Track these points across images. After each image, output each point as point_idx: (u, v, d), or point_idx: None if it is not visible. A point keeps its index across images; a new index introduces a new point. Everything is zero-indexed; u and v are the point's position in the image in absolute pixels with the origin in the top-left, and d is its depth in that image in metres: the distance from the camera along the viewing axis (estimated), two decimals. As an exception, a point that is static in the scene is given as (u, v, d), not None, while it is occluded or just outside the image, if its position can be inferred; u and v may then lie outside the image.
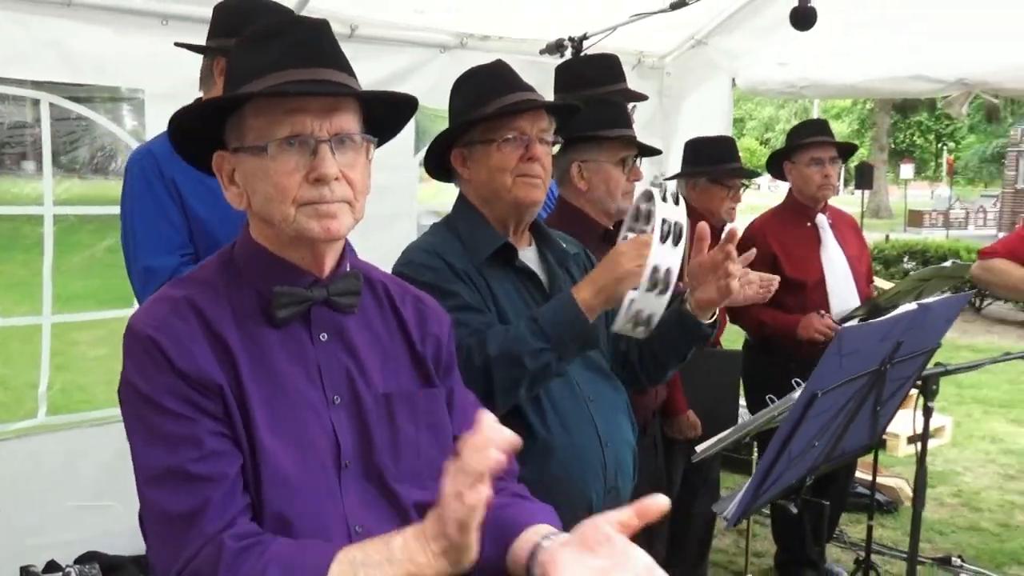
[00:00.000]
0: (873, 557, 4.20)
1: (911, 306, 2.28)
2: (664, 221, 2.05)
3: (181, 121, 1.58)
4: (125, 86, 4.04)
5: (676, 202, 2.10)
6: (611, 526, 1.36)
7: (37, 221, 3.98)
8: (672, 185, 2.11)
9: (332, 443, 1.56)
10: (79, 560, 3.96)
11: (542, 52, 4.98)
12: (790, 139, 4.58)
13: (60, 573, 3.92)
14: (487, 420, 1.30)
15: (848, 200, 37.98)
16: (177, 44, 3.01)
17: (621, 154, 3.04)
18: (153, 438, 1.45)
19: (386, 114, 1.66)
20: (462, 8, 4.77)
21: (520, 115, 2.30)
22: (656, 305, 2.09)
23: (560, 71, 4.00)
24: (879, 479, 5.73)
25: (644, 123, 5.83)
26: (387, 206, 4.59)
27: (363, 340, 1.65)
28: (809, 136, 4.46)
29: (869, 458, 4.27)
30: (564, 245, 2.50)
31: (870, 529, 4.14)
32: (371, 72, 4.66)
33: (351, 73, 1.58)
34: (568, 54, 4.81)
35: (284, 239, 1.57)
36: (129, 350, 1.50)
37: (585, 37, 4.80)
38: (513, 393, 2.16)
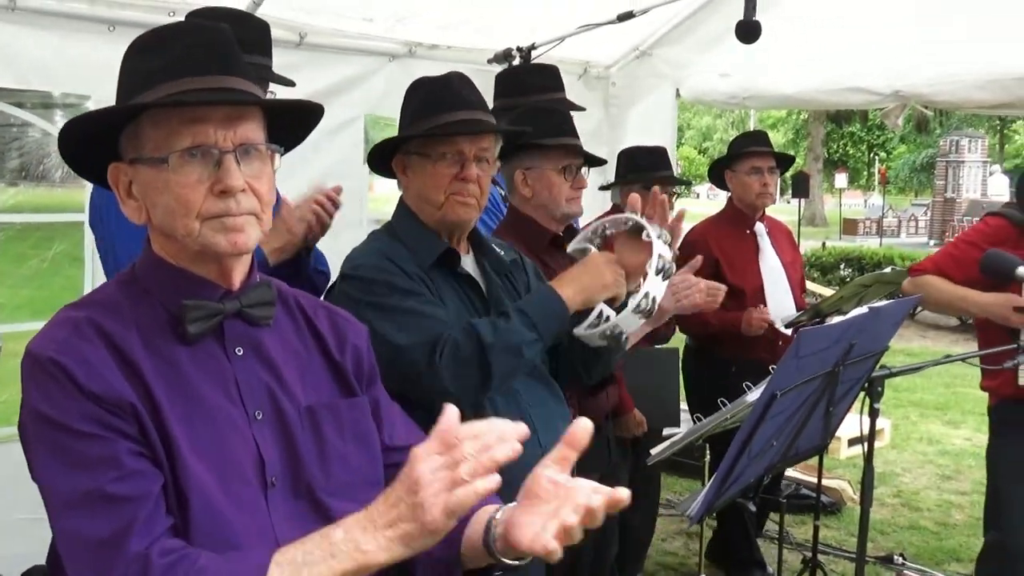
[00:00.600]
0: (819, 557, 4.29)
1: (863, 309, 2.36)
2: (660, 257, 2.26)
3: (73, 132, 1.50)
4: (71, 92, 3.98)
5: (666, 242, 2.31)
6: (550, 469, 1.39)
7: (-20, 230, 3.90)
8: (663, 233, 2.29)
9: (256, 460, 1.49)
10: (26, 574, 3.87)
11: (490, 61, 5.02)
12: (731, 149, 4.75)
13: (3, 589, 3.84)
14: (453, 411, 1.30)
15: (785, 209, 38.50)
16: None
17: (564, 162, 3.08)
18: (67, 464, 1.36)
19: (292, 123, 1.61)
20: (411, 17, 4.78)
21: (460, 134, 2.29)
22: (634, 326, 2.30)
23: (500, 78, 4.05)
24: (823, 481, 5.86)
25: (591, 132, 5.87)
26: (336, 215, 4.56)
27: (280, 353, 1.58)
28: (749, 146, 4.64)
29: (813, 461, 4.38)
30: (500, 253, 2.53)
31: (816, 529, 4.21)
32: (319, 80, 4.65)
33: (254, 80, 1.52)
34: (516, 64, 4.86)
35: (189, 253, 1.50)
36: (31, 376, 1.40)
37: (533, 47, 4.86)
38: (510, 379, 2.24)
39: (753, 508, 2.45)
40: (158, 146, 1.43)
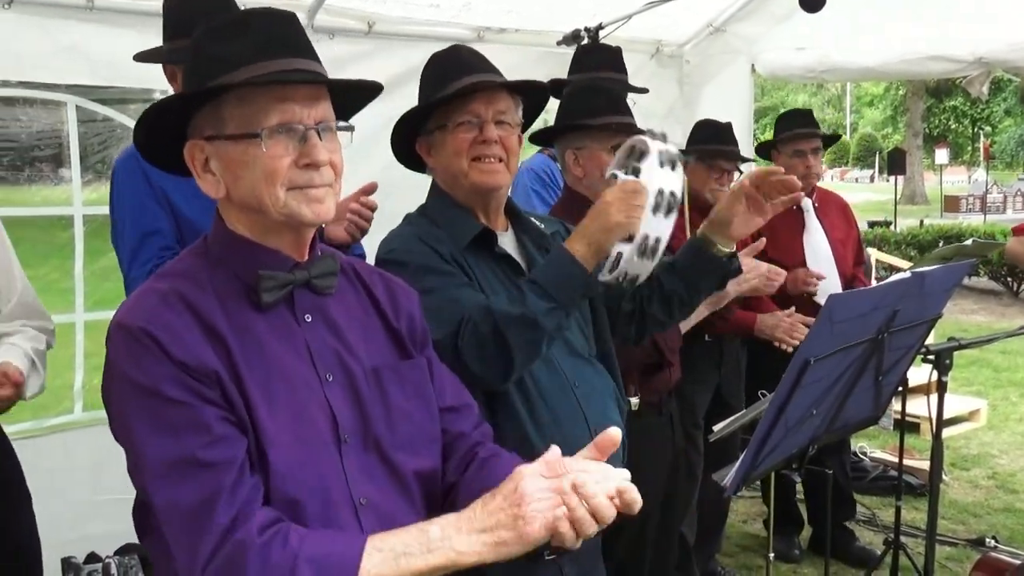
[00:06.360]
0: (906, 539, 4.21)
1: (904, 274, 2.29)
2: (660, 192, 2.08)
3: (151, 114, 1.60)
4: (148, 87, 4.12)
5: (673, 167, 2.12)
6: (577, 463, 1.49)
7: (68, 223, 4.08)
8: (672, 147, 2.15)
9: (330, 419, 1.59)
10: (118, 552, 4.04)
11: (559, 43, 5.02)
12: (776, 130, 4.73)
13: (100, 564, 4.00)
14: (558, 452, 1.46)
15: (882, 187, 37.48)
16: (136, 58, 3.02)
17: (612, 141, 2.98)
18: (158, 429, 1.44)
19: (352, 103, 1.71)
20: (478, 2, 4.81)
21: (473, 98, 2.24)
22: (643, 269, 2.16)
23: (574, 57, 4.13)
24: (912, 462, 5.72)
25: (665, 112, 5.84)
26: (398, 204, 4.59)
27: (344, 319, 1.69)
28: (793, 128, 4.61)
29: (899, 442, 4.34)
30: (541, 225, 2.48)
31: (897, 510, 4.14)
32: (389, 68, 4.70)
33: (321, 63, 1.61)
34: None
35: (267, 225, 1.59)
36: (119, 345, 1.49)
37: (601, 27, 4.83)
38: (534, 352, 2.15)
39: (798, 479, 2.40)
40: (244, 123, 1.53)
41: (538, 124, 2.98)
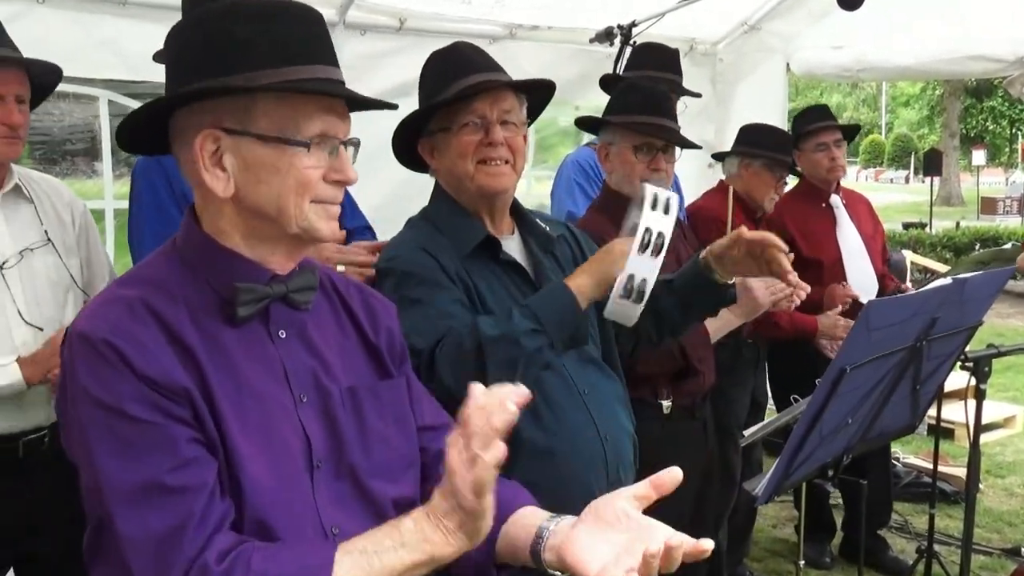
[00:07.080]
0: (939, 548, 4.15)
1: (945, 280, 2.24)
2: (647, 230, 2.01)
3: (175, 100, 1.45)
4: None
5: (666, 211, 2.05)
6: (627, 502, 1.36)
7: (99, 216, 4.10)
8: (667, 191, 2.09)
9: (303, 443, 1.48)
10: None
11: (592, 40, 4.98)
12: (795, 128, 4.67)
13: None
14: (479, 388, 1.27)
15: (918, 188, 37.06)
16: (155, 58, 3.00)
17: (636, 140, 2.97)
18: (122, 451, 1.33)
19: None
20: (510, -1, 4.80)
21: (477, 98, 2.16)
22: (632, 311, 2.08)
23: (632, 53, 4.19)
24: (947, 469, 5.64)
25: (699, 110, 5.78)
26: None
27: (320, 336, 1.58)
28: (812, 123, 4.55)
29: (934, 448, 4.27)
30: (547, 228, 2.40)
31: (931, 518, 4.08)
32: (420, 65, 4.69)
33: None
34: (617, 42, 4.81)
35: (269, 234, 1.48)
36: (81, 357, 1.36)
37: (634, 24, 4.78)
38: (510, 372, 2.03)
39: (831, 489, 2.36)
40: (282, 125, 1.42)
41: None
